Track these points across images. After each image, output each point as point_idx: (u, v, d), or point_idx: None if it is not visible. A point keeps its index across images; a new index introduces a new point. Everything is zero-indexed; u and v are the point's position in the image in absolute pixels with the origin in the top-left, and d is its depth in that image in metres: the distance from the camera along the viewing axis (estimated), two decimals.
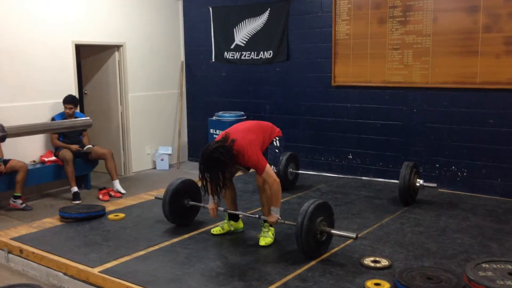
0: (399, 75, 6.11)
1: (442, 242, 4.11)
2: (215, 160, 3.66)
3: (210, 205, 4.21)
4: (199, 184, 3.97)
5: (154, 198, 5.03)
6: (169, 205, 4.41)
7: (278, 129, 4.36)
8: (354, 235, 3.74)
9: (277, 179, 3.92)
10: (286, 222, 3.98)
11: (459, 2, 5.61)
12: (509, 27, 5.33)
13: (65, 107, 6.34)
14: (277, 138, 4.28)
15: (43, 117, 6.41)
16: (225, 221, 4.39)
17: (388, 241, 4.13)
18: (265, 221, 4.07)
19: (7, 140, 2.72)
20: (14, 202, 5.86)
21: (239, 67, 7.64)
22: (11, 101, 6.20)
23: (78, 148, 6.36)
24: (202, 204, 4.53)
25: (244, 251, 3.98)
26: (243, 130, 4.02)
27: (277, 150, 4.24)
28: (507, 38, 5.35)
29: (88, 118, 2.80)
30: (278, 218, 3.97)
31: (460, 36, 5.63)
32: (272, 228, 4.15)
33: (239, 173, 4.56)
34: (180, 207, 4.48)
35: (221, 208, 4.28)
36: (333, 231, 3.83)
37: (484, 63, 5.51)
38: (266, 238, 4.08)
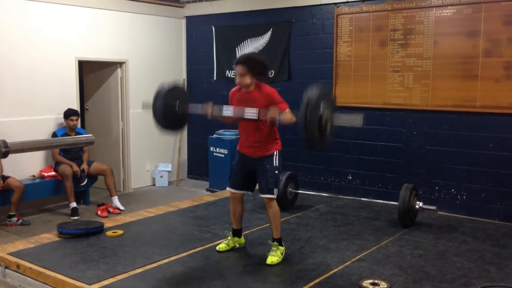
0: (399, 97, 6.15)
1: (441, 265, 4.09)
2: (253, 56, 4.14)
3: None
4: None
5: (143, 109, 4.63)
6: (159, 109, 4.09)
7: (279, 140, 4.23)
8: (360, 117, 3.59)
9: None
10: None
11: (459, 27, 5.67)
12: (509, 52, 5.39)
13: (71, 120, 6.37)
14: (277, 153, 4.13)
15: (44, 132, 6.44)
16: (229, 238, 4.38)
17: (387, 264, 4.11)
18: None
19: None
20: (10, 221, 5.85)
21: None
22: (13, 115, 6.23)
23: (78, 171, 6.35)
24: (194, 107, 4.17)
25: (243, 271, 3.96)
26: None
27: (276, 172, 4.10)
28: (507, 63, 5.40)
29: (91, 135, 2.81)
30: (276, 114, 3.86)
31: (460, 60, 5.69)
32: (281, 248, 4.13)
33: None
34: (171, 112, 4.11)
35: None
36: (337, 117, 3.71)
37: (484, 87, 5.55)
38: (273, 257, 4.05)
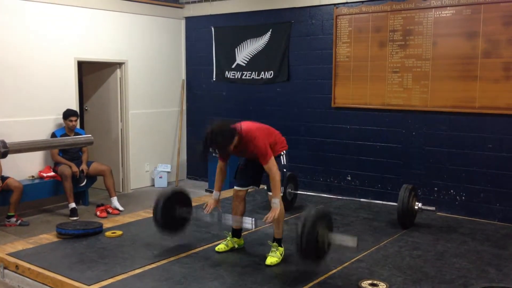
0: (398, 98, 6.15)
1: (440, 266, 4.09)
2: (217, 135, 3.75)
3: (211, 200, 4.23)
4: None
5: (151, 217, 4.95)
6: (161, 213, 4.33)
7: (284, 139, 4.34)
8: (354, 244, 3.68)
9: (278, 172, 3.99)
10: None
11: (458, 28, 5.68)
12: (508, 53, 5.39)
13: (70, 120, 6.37)
14: (284, 153, 4.26)
15: (44, 132, 6.43)
16: (228, 238, 4.39)
17: (386, 264, 4.11)
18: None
19: None
20: (9, 221, 5.85)
21: (239, 86, 7.69)
22: (13, 116, 6.23)
23: (77, 172, 6.35)
24: (194, 211, 4.53)
25: (242, 271, 3.96)
26: (253, 123, 4.15)
27: (284, 170, 4.22)
28: (506, 64, 5.41)
29: (90, 135, 2.81)
30: (278, 210, 3.94)
31: (459, 61, 5.69)
32: (280, 248, 4.14)
33: (251, 189, 4.57)
34: (172, 217, 4.41)
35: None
36: (332, 241, 3.76)
37: (483, 88, 5.56)
38: (272, 258, 4.06)
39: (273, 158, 3.98)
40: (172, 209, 4.41)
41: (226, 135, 3.79)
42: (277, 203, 3.94)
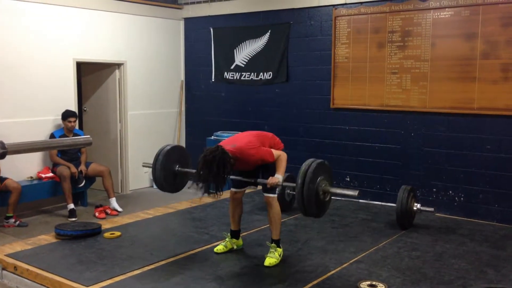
0: (397, 99, 6.16)
1: (439, 267, 4.10)
2: (211, 163, 3.69)
3: None
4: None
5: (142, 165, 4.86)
6: (160, 172, 4.34)
7: (278, 139, 4.35)
8: (355, 193, 3.67)
9: (285, 154, 4.11)
10: (285, 184, 4.11)
11: (457, 29, 5.68)
12: (506, 54, 5.40)
13: (69, 121, 6.37)
14: None
15: (42, 133, 6.43)
16: (227, 239, 4.39)
17: (385, 265, 4.11)
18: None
19: None
20: (7, 222, 5.84)
21: (238, 87, 7.69)
22: (11, 117, 6.22)
23: (76, 173, 6.34)
24: (193, 170, 4.40)
25: (241, 272, 3.96)
26: (243, 137, 4.11)
27: None
28: (505, 65, 5.41)
29: (89, 136, 2.81)
30: (279, 181, 3.97)
31: (458, 62, 5.70)
32: (279, 249, 4.15)
33: (249, 190, 4.56)
34: (171, 174, 4.41)
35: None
36: (334, 190, 3.77)
37: (481, 89, 5.56)
38: (271, 259, 4.06)
39: (272, 150, 4.04)
40: (172, 165, 4.39)
41: (220, 163, 3.68)
42: (279, 177, 3.97)
